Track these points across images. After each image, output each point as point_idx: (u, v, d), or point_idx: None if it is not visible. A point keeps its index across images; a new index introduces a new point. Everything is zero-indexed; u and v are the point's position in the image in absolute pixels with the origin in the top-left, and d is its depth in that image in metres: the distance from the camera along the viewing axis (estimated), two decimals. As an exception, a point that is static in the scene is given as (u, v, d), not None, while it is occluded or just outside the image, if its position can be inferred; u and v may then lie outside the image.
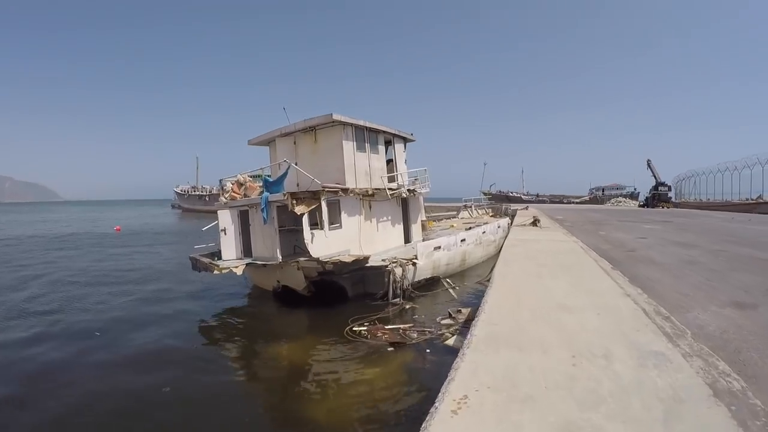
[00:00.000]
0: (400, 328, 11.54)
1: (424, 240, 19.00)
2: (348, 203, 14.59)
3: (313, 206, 13.50)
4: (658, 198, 45.36)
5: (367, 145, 15.70)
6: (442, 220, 32.85)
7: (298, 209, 13.21)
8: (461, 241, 18.34)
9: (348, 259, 13.44)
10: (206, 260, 14.68)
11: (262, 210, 14.21)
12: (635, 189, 67.69)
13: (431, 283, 16.23)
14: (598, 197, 66.73)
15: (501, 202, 44.45)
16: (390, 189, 15.68)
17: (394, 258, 14.74)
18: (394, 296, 14.05)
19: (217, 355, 10.84)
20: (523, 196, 66.33)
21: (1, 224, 63.29)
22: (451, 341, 9.95)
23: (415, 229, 18.39)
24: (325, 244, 13.66)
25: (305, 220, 13.13)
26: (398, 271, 14.21)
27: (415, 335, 10.95)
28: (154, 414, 7.66)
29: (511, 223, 26.39)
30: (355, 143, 15.12)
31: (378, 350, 10.19)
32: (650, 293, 7.67)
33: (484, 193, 52.46)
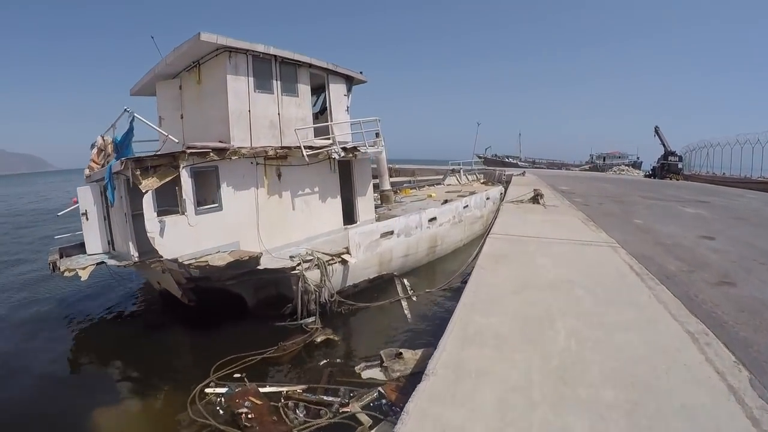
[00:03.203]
0: (283, 392, 6.64)
1: (379, 219, 13.91)
2: (234, 171, 9.45)
3: (170, 178, 8.39)
4: (667, 169, 40.15)
5: (277, 84, 10.33)
6: (424, 187, 27.62)
7: (146, 183, 8.15)
8: (429, 221, 13.26)
9: (220, 260, 8.45)
10: (55, 257, 9.87)
11: (106, 186, 9.16)
12: (638, 158, 63.51)
13: (379, 284, 11.30)
14: (598, 165, 62.34)
15: (495, 167, 38.97)
16: (309, 148, 10.36)
17: (309, 253, 9.71)
18: (308, 314, 9.16)
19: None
20: (519, 162, 61.31)
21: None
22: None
23: (364, 205, 13.22)
24: (190, 237, 8.70)
25: (148, 200, 8.09)
26: (312, 274, 9.23)
27: (302, 415, 6.06)
28: None
29: (505, 192, 21.20)
30: (252, 80, 9.80)
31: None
32: None
33: (479, 157, 46.95)
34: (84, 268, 9.28)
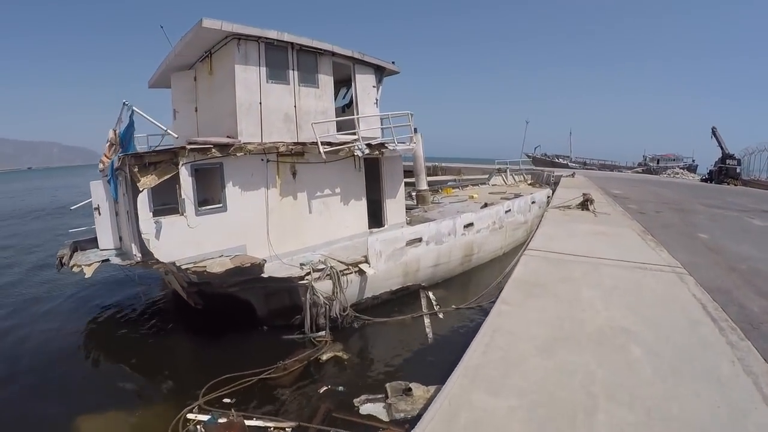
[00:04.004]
0: (270, 429, 5.72)
1: (411, 222, 12.80)
2: (241, 169, 8.65)
3: (169, 175, 7.70)
4: (725, 173, 36.68)
5: (293, 74, 9.40)
6: (467, 186, 26.18)
7: (144, 181, 7.52)
8: (465, 227, 12.02)
9: (219, 267, 7.66)
10: (65, 251, 9.44)
11: (109, 182, 8.63)
12: (693, 161, 59.58)
13: (403, 296, 10.25)
14: (652, 168, 58.75)
15: (544, 167, 36.70)
16: (328, 144, 9.37)
17: (322, 261, 8.77)
18: (317, 328, 8.23)
19: None
20: (569, 163, 58.27)
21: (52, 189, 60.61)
22: None
23: (393, 208, 12.11)
24: (189, 240, 8.01)
25: (143, 199, 7.45)
26: (323, 285, 8.29)
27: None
28: None
29: (552, 195, 19.51)
30: (265, 69, 8.93)
31: None
32: None
33: (528, 156, 44.70)
34: (89, 265, 8.84)
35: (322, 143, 9.33)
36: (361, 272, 8.96)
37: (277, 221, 9.23)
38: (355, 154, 9.91)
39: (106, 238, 9.66)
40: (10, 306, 10.96)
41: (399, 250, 9.72)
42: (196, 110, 10.53)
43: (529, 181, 28.50)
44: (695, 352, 4.11)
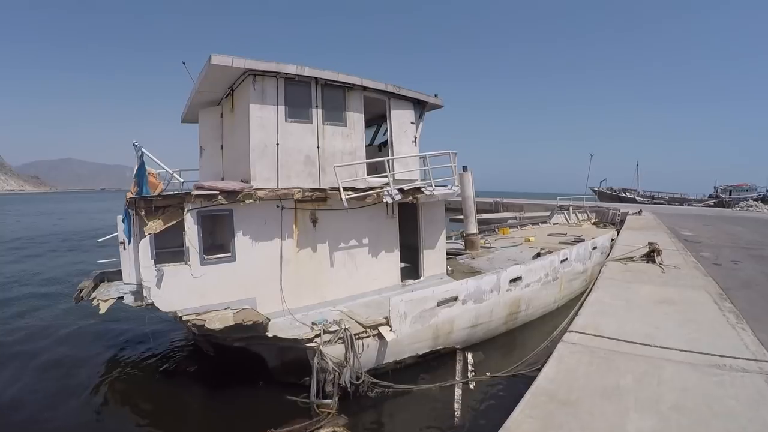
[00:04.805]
0: None
1: (451, 274, 11.51)
2: (253, 216, 7.91)
3: (176, 221, 7.08)
4: None
5: (317, 111, 8.59)
6: (527, 226, 24.25)
7: (150, 226, 7.01)
8: (511, 281, 10.54)
9: (219, 322, 6.92)
10: (87, 283, 9.33)
11: (123, 221, 8.25)
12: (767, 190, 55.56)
13: (434, 359, 8.96)
14: (724, 201, 54.10)
15: (610, 202, 34.03)
16: (351, 189, 8.40)
17: (335, 322, 7.68)
18: (324, 394, 7.15)
19: None
20: (636, 197, 54.78)
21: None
22: None
23: (432, 258, 10.88)
24: (193, 290, 7.50)
25: (145, 245, 7.06)
26: (334, 350, 7.20)
27: None
28: None
29: (618, 235, 17.50)
30: (284, 108, 8.19)
31: None
32: None
33: (593, 191, 42.00)
34: (105, 301, 8.49)
35: (348, 188, 8.38)
36: (379, 336, 7.79)
37: (293, 273, 8.35)
38: (385, 200, 8.86)
39: (130, 273, 9.30)
40: (25, 329, 11.10)
41: (428, 311, 8.46)
42: (222, 148, 10.00)
43: (593, 220, 26.23)
44: None
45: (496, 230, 21.48)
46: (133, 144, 7.97)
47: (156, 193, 8.30)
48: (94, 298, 8.55)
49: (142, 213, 7.19)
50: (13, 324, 11.69)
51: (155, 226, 7.14)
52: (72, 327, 11.34)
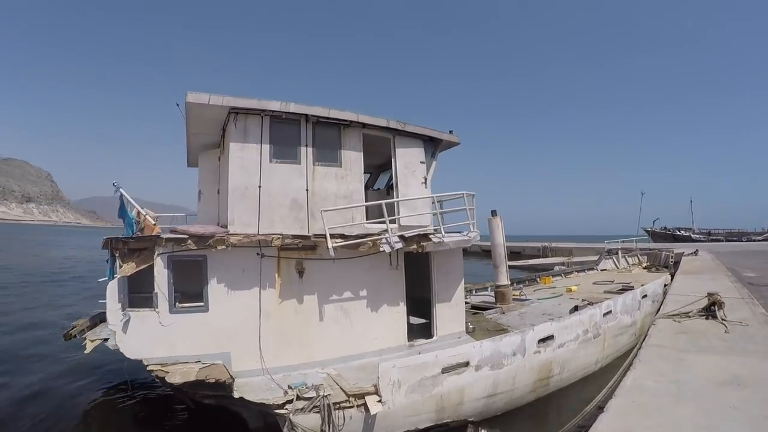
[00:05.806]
0: None
1: (473, 331, 10.25)
2: (228, 264, 7.24)
3: (147, 264, 6.51)
4: None
5: (307, 150, 7.84)
6: (572, 274, 22.17)
7: (124, 268, 6.62)
8: (540, 342, 9.07)
9: (181, 377, 6.34)
10: (86, 321, 8.99)
11: (107, 261, 7.97)
12: None
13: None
14: None
15: (664, 242, 31.37)
16: (341, 237, 7.47)
17: (308, 388, 6.60)
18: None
19: None
20: (692, 235, 51.31)
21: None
22: None
23: (448, 314, 9.63)
24: (161, 338, 7.10)
25: (113, 288, 6.73)
26: (307, 420, 6.11)
27: None
28: None
29: (672, 280, 15.54)
30: (268, 147, 7.51)
31: None
32: None
33: (645, 231, 39.25)
34: (93, 341, 7.97)
35: (337, 236, 7.46)
36: (364, 407, 6.62)
37: (274, 328, 7.53)
38: (381, 249, 7.84)
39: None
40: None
41: (430, 379, 7.18)
42: (219, 192, 9.44)
43: (644, 264, 23.97)
44: None
45: (537, 280, 19.66)
46: (113, 184, 7.63)
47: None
48: (85, 337, 8.10)
49: (117, 254, 6.91)
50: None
51: (128, 269, 6.85)
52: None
